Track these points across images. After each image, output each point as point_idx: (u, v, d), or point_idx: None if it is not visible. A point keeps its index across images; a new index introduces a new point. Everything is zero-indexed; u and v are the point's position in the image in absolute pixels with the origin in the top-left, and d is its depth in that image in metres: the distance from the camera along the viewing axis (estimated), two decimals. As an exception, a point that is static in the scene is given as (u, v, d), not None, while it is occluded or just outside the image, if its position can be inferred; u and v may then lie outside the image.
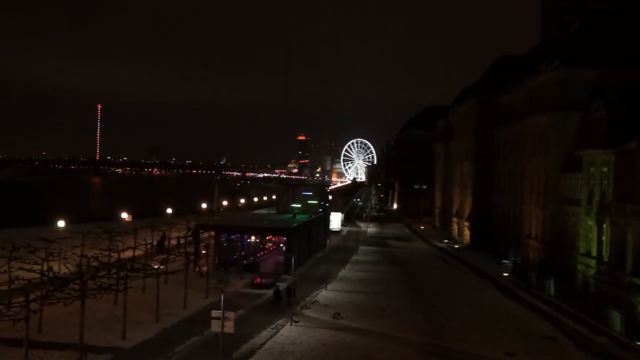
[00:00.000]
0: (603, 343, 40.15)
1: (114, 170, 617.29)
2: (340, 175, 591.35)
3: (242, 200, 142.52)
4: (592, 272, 51.67)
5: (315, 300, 48.06)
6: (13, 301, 31.09)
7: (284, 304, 44.21)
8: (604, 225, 49.68)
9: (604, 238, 49.78)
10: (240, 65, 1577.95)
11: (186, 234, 71.56)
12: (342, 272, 64.38)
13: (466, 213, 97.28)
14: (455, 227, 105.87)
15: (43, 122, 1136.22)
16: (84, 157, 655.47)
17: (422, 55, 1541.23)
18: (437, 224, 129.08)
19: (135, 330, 35.31)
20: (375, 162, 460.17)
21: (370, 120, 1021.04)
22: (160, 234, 68.99)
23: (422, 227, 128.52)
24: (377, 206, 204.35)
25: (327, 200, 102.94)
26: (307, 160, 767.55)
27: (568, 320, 46.15)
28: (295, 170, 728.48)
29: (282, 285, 50.10)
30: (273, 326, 39.60)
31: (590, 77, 59.88)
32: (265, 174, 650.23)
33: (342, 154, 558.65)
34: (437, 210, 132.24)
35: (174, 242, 70.11)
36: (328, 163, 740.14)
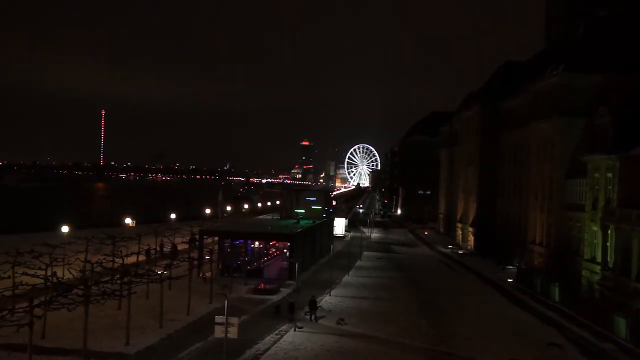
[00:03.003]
0: (608, 349, 39.92)
1: (118, 175, 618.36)
2: (344, 180, 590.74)
3: (246, 206, 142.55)
4: (597, 278, 51.45)
5: (319, 306, 47.85)
6: (17, 307, 31.11)
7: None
8: (609, 231, 49.48)
9: (608, 244, 49.57)
10: (244, 71, 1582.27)
11: (191, 239, 71.50)
12: (346, 278, 64.26)
13: (470, 219, 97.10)
14: (460, 232, 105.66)
15: (47, 128, 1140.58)
16: (88, 163, 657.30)
17: (426, 61, 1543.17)
18: (441, 230, 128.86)
19: (139, 336, 35.27)
20: (379, 168, 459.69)
21: (374, 126, 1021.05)
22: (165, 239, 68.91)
23: (426, 233, 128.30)
24: (381, 212, 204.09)
25: (331, 206, 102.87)
26: (311, 166, 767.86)
27: (573, 327, 45.92)
28: (299, 176, 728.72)
29: (292, 296, 49.48)
30: (277, 332, 39.52)
31: (594, 82, 59.81)
32: (269, 179, 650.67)
33: (346, 160, 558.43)
34: (441, 216, 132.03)
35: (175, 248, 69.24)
36: (332, 168, 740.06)
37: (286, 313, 43.12)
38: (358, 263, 77.20)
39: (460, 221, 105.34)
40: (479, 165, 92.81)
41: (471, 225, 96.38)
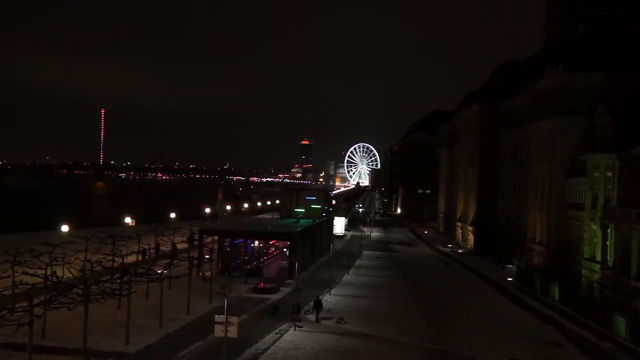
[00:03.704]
0: (608, 348, 39.93)
1: (118, 175, 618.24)
2: (344, 179, 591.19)
3: (246, 205, 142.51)
4: (596, 277, 51.46)
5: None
6: (17, 306, 31.18)
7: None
8: (609, 230, 49.48)
9: (608, 243, 49.57)
10: (243, 71, 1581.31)
11: (189, 238, 71.48)
12: (346, 277, 64.26)
13: (470, 218, 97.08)
14: (459, 231, 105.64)
15: (47, 128, 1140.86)
16: (88, 162, 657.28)
17: (426, 61, 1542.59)
18: (441, 229, 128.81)
19: (139, 335, 35.28)
20: (378, 167, 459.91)
21: (373, 125, 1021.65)
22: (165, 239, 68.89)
23: (426, 232, 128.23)
24: (381, 211, 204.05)
25: (331, 205, 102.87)
26: (310, 165, 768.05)
27: (573, 326, 45.92)
28: (299, 175, 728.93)
29: (294, 296, 49.33)
30: (276, 331, 39.52)
31: (594, 82, 59.76)
32: (269, 179, 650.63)
33: (346, 159, 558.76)
34: (441, 215, 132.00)
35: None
36: (332, 168, 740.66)
37: (292, 314, 42.28)
38: (358, 262, 77.18)
39: (460, 220, 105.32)
40: (478, 164, 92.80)
41: (471, 225, 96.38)
